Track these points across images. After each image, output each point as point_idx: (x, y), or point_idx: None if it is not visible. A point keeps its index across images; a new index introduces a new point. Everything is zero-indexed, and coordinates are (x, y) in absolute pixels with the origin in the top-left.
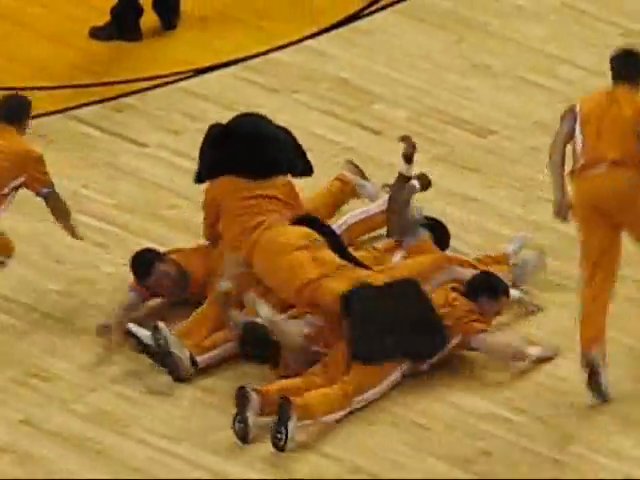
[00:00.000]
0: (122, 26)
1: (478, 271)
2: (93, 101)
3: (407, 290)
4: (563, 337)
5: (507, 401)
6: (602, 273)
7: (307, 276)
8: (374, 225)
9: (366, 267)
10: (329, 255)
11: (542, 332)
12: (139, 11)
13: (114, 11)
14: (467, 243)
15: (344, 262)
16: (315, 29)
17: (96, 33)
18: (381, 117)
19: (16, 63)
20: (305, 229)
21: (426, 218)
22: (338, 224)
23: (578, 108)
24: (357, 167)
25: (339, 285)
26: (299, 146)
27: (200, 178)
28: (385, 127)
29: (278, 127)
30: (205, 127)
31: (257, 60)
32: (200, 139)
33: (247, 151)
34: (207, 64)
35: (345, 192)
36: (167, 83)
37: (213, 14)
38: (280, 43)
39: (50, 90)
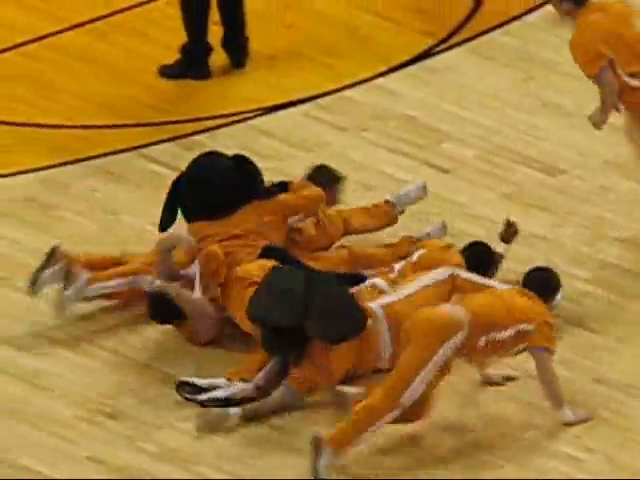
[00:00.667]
0: (191, 64)
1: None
2: (163, 139)
3: (327, 279)
4: (631, 375)
5: (575, 439)
6: None
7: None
8: None
9: None
10: None
11: (611, 370)
12: (208, 50)
13: (184, 49)
14: None
15: None
16: (384, 67)
17: (165, 71)
18: (450, 155)
19: (84, 101)
20: (263, 262)
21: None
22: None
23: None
24: None
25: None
26: (255, 173)
27: (163, 226)
28: (454, 166)
29: (227, 160)
30: (275, 165)
31: (326, 98)
32: (269, 177)
33: (198, 195)
34: (277, 102)
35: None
36: (237, 121)
37: (282, 53)
38: (349, 81)
39: (119, 128)
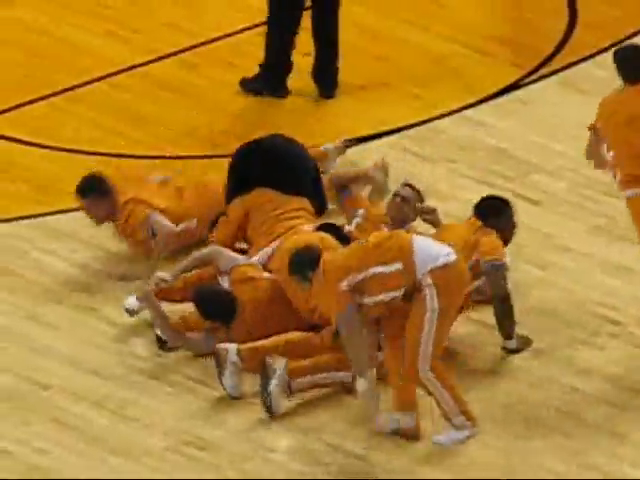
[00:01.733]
0: (270, 81)
1: None
2: None
3: None
4: None
5: None
6: None
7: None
8: None
9: None
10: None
11: None
12: (288, 68)
13: (263, 65)
14: (622, 312)
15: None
16: (473, 99)
17: (245, 83)
18: (539, 187)
19: (173, 131)
20: (322, 234)
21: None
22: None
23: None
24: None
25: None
26: (320, 180)
27: (231, 196)
28: (543, 197)
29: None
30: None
31: (415, 129)
32: None
33: (280, 166)
34: (366, 133)
35: None
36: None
37: (372, 83)
38: (438, 112)
39: (208, 158)
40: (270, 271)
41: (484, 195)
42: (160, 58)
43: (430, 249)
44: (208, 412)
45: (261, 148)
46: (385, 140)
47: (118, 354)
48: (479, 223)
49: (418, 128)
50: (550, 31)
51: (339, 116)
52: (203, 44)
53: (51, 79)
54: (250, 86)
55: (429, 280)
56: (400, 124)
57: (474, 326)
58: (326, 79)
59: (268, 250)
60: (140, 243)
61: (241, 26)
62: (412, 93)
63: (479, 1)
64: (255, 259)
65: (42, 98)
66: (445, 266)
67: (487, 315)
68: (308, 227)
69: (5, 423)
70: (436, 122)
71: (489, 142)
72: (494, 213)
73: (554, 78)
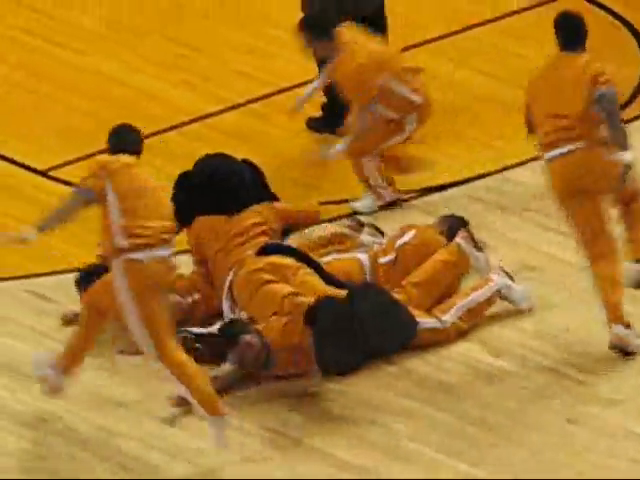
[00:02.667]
0: (335, 121)
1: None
2: (324, 220)
3: (366, 290)
4: None
5: None
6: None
7: (278, 297)
8: None
9: (328, 275)
10: (296, 276)
11: None
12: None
13: (325, 107)
14: None
15: (308, 274)
16: None
17: (311, 124)
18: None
19: None
20: (267, 260)
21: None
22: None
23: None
24: (471, 235)
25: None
26: (263, 179)
27: (180, 223)
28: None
29: (240, 162)
30: None
31: (489, 179)
32: None
33: (212, 191)
34: (439, 183)
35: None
36: (403, 201)
37: (445, 132)
38: (512, 162)
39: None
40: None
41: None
42: (231, 107)
43: None
44: (293, 468)
45: (192, 176)
46: (459, 189)
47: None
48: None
49: (492, 177)
50: (625, 79)
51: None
52: (274, 94)
53: None
54: (315, 125)
55: None
56: (474, 173)
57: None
58: None
59: (225, 290)
60: None
61: (312, 75)
62: (486, 143)
63: (553, 50)
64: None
65: None
66: None
67: None
68: (250, 254)
69: (78, 468)
70: (510, 171)
71: None
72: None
73: (631, 126)
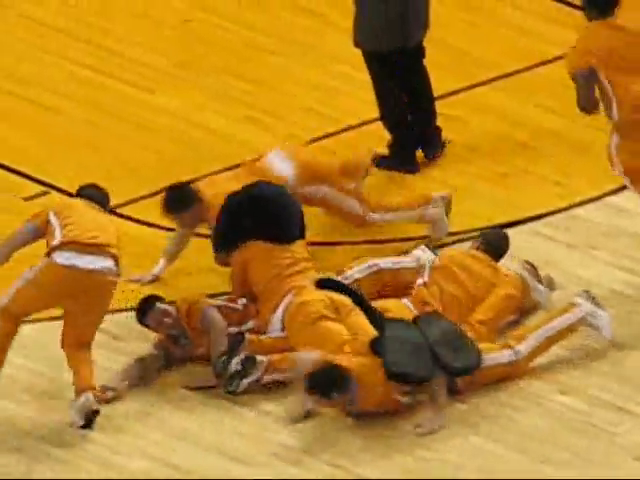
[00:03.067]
0: (401, 158)
1: None
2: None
3: (430, 319)
4: None
5: None
6: None
7: (337, 339)
8: (401, 279)
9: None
10: (349, 316)
11: None
12: (416, 144)
13: (390, 146)
14: None
15: (359, 315)
16: (615, 185)
17: (378, 161)
18: None
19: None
20: (326, 294)
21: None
22: (368, 264)
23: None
24: (533, 268)
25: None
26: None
27: (222, 247)
28: None
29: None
30: None
31: (557, 216)
32: None
33: (274, 217)
34: (506, 220)
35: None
36: (469, 238)
37: (514, 170)
38: (580, 199)
39: (344, 245)
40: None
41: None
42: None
43: None
44: None
45: (256, 200)
46: (526, 226)
47: (263, 442)
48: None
49: (559, 215)
50: None
51: (478, 202)
52: (340, 131)
53: (191, 165)
54: (382, 163)
55: None
56: (540, 211)
57: None
58: (427, 141)
59: (278, 315)
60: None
61: (377, 112)
62: (554, 180)
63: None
64: (270, 329)
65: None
66: None
67: None
68: (308, 283)
69: None
70: (578, 209)
71: (632, 229)
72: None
73: None
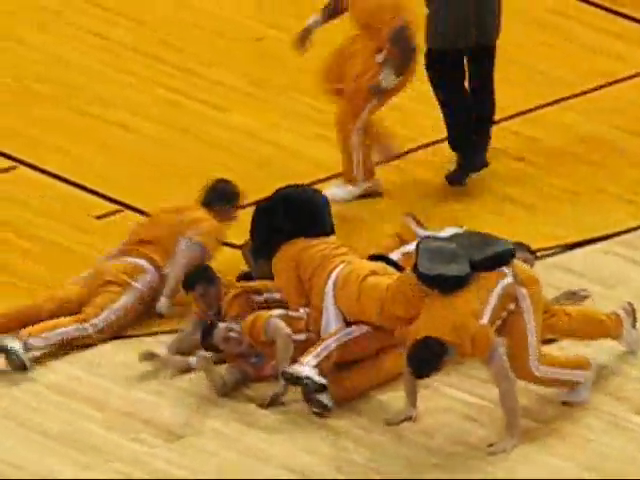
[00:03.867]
0: (473, 161)
1: None
2: None
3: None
4: None
5: None
6: None
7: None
8: None
9: None
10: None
11: None
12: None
13: (459, 161)
14: None
15: None
16: None
17: (451, 179)
18: None
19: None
20: (377, 263)
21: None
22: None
23: None
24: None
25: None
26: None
27: (263, 253)
28: None
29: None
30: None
31: (629, 235)
32: None
33: (311, 215)
34: (577, 239)
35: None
36: (538, 258)
37: (586, 189)
38: None
39: None
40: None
41: None
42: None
43: None
44: None
45: (287, 200)
46: (597, 246)
47: (334, 459)
48: None
49: (632, 234)
50: None
51: (551, 221)
52: (414, 149)
53: (263, 183)
54: (455, 179)
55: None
56: (613, 230)
57: None
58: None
59: (330, 287)
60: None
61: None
62: (627, 199)
63: None
64: (323, 306)
65: (253, 204)
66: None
67: None
68: (357, 257)
69: None
70: None
71: None
72: None
73: None
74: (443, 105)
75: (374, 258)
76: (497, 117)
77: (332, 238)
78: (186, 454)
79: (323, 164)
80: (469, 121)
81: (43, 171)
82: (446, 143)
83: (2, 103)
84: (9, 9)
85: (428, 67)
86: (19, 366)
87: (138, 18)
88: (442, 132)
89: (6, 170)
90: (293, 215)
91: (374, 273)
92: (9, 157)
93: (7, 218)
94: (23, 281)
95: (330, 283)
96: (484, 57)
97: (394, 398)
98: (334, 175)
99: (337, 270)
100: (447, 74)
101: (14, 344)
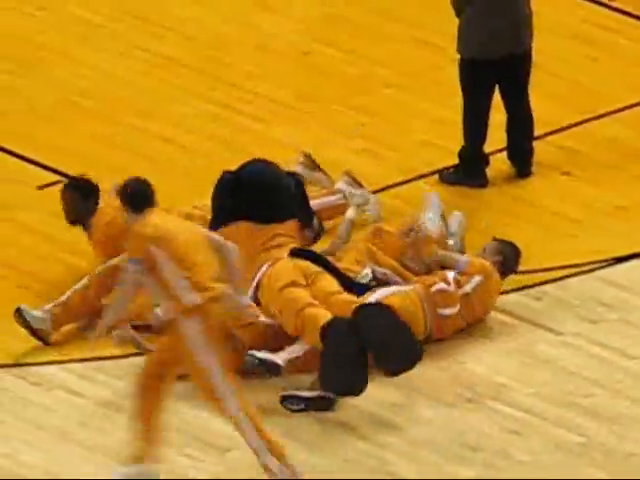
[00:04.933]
0: (469, 173)
1: None
2: (512, 289)
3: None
4: None
5: None
6: None
7: (297, 307)
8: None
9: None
10: (320, 285)
11: None
12: (485, 160)
13: (461, 156)
14: None
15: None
16: None
17: (444, 176)
18: None
19: None
20: (300, 263)
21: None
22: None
23: None
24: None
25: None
26: (305, 195)
27: (214, 225)
28: None
29: (286, 174)
30: (623, 316)
31: None
32: (618, 328)
33: (259, 199)
34: (626, 253)
35: None
36: (584, 272)
37: (634, 202)
38: None
39: None
40: (259, 303)
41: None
42: (417, 177)
43: None
44: None
45: (239, 180)
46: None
47: (374, 472)
48: None
49: None
50: None
51: (598, 235)
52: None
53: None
54: (448, 178)
55: None
56: None
57: None
58: (521, 158)
59: (252, 284)
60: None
61: (490, 143)
62: None
63: None
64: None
65: None
66: None
67: None
68: (284, 255)
69: None
70: None
71: None
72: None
73: None
74: (469, 114)
75: (296, 252)
76: (542, 131)
77: (284, 225)
78: (233, 468)
79: (369, 178)
80: (484, 136)
81: None
82: (496, 155)
83: (49, 118)
84: (55, 23)
85: (461, 76)
86: (26, 326)
87: (185, 33)
88: (490, 145)
89: (53, 184)
90: (242, 197)
91: (292, 284)
92: (55, 171)
93: (60, 236)
94: None
95: (253, 283)
96: (518, 67)
97: (437, 415)
98: (380, 189)
99: (260, 272)
100: (480, 84)
101: (26, 308)
